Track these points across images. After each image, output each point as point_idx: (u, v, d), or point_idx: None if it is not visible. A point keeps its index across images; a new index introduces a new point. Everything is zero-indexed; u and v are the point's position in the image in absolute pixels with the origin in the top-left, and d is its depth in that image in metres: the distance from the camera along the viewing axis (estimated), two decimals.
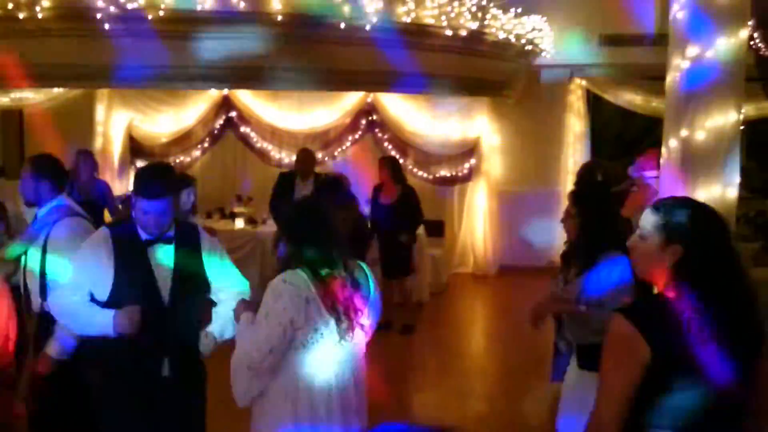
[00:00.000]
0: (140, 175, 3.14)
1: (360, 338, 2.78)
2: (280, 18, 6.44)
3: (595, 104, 10.31)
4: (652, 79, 8.66)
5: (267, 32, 6.54)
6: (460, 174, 9.63)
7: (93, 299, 3.02)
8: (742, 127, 4.12)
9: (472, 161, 9.59)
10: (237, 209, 9.01)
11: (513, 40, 7.98)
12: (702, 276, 2.03)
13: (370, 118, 9.40)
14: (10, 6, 6.31)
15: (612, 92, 10.10)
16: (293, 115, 9.41)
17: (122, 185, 9.00)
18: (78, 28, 6.50)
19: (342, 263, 2.73)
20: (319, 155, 9.28)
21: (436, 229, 9.21)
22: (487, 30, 7.63)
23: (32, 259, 3.65)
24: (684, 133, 3.92)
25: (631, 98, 9.99)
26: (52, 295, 3.19)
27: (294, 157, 7.92)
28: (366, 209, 8.20)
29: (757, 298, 2.13)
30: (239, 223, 8.65)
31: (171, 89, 8.88)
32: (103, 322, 2.92)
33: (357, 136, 9.49)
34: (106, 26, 6.33)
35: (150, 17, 6.27)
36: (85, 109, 9.17)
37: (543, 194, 9.64)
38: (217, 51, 6.55)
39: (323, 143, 9.44)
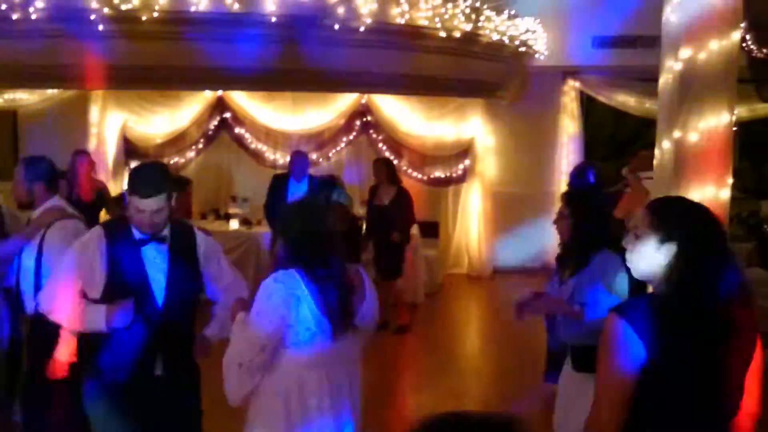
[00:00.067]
0: (134, 173, 3.13)
1: (354, 339, 2.78)
2: (274, 19, 6.45)
3: (588, 105, 10.35)
4: (645, 80, 8.69)
5: (261, 33, 6.54)
6: (454, 175, 9.64)
7: (86, 298, 3.01)
8: (734, 129, 4.14)
9: (467, 162, 9.61)
10: (232, 210, 9.02)
11: (507, 41, 8.00)
12: (696, 275, 2.04)
13: (364, 119, 9.40)
14: (4, 7, 6.30)
15: (605, 93, 10.13)
16: (288, 116, 9.40)
17: (116, 186, 8.97)
18: (72, 29, 6.48)
19: (337, 263, 2.73)
20: (314, 156, 9.29)
21: (431, 230, 9.22)
22: (481, 31, 7.65)
23: (27, 260, 3.64)
24: (677, 134, 3.94)
25: (624, 99, 10.03)
26: (43, 292, 3.17)
27: (288, 158, 7.92)
28: (361, 210, 8.23)
29: (753, 298, 2.15)
30: (234, 224, 8.65)
31: (165, 90, 8.87)
32: (96, 316, 2.92)
33: (351, 137, 9.49)
34: (100, 27, 6.32)
35: (144, 18, 6.27)
36: (79, 110, 9.15)
37: (537, 195, 9.67)
38: (211, 52, 6.55)
39: (318, 144, 9.44)
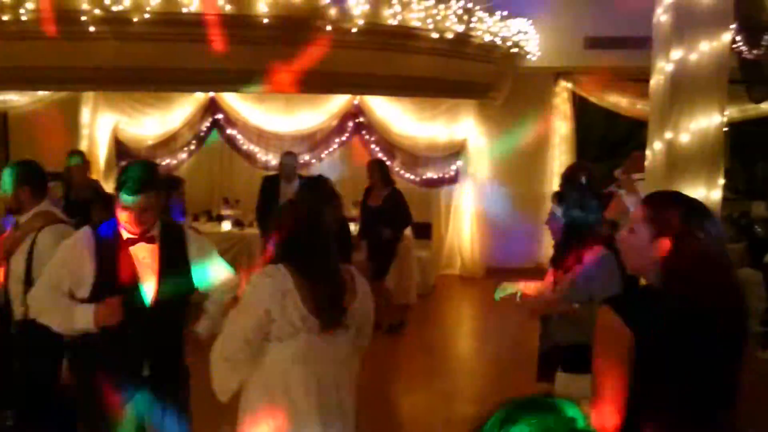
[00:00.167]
0: (123, 170, 3.11)
1: (344, 338, 2.76)
2: (266, 21, 6.44)
3: (580, 106, 10.37)
4: (637, 81, 8.72)
5: (253, 35, 6.53)
6: (447, 176, 9.65)
7: (74, 298, 2.99)
8: (725, 129, 4.16)
9: (459, 163, 9.63)
10: (224, 212, 9.00)
11: (499, 42, 8.01)
12: (689, 270, 2.05)
13: (356, 120, 9.40)
14: None
15: (597, 94, 10.17)
16: (280, 118, 9.40)
17: (108, 188, 8.94)
18: (63, 31, 6.46)
19: (329, 260, 2.72)
20: (306, 157, 9.29)
21: (424, 231, 9.23)
22: (473, 33, 7.66)
23: (17, 265, 3.60)
24: (668, 135, 3.96)
25: (616, 100, 10.06)
26: (31, 293, 3.13)
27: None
28: (354, 211, 8.23)
29: (745, 295, 2.16)
30: (226, 226, 8.63)
31: (157, 92, 8.84)
32: (84, 316, 2.90)
33: (344, 139, 9.49)
34: (92, 29, 6.30)
35: (135, 20, 6.25)
36: (70, 112, 9.12)
37: (529, 196, 9.68)
38: (203, 54, 6.53)
39: (310, 145, 9.43)
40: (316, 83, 7.23)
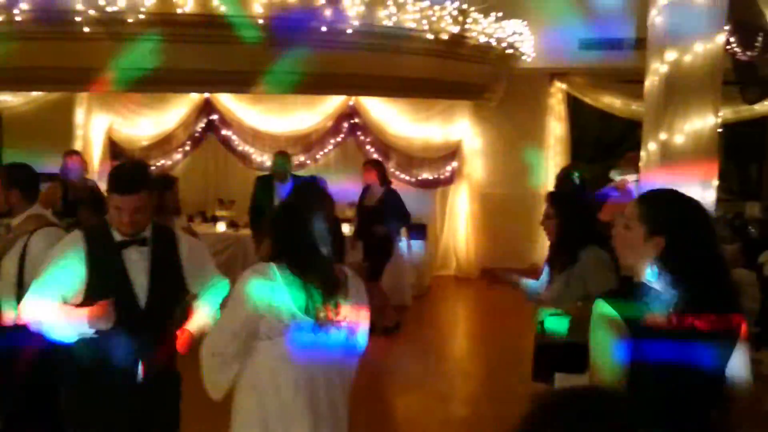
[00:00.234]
0: (114, 171, 3.08)
1: (337, 338, 2.74)
2: (261, 21, 6.43)
3: (574, 107, 10.39)
4: (632, 82, 8.74)
5: (248, 35, 6.52)
6: (442, 177, 9.66)
7: (67, 303, 2.94)
8: (720, 130, 4.18)
9: (454, 164, 9.63)
10: (219, 212, 8.98)
11: (494, 43, 8.02)
12: (683, 268, 2.06)
13: (352, 121, 9.41)
14: None
15: (592, 95, 10.19)
16: (275, 118, 9.39)
17: (103, 189, 8.92)
18: (57, 31, 6.44)
19: (321, 261, 2.71)
20: (301, 158, 9.29)
21: (419, 231, 9.22)
22: (468, 34, 7.67)
23: (8, 269, 3.57)
24: (663, 136, 3.97)
25: (610, 101, 10.08)
26: (24, 301, 3.07)
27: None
28: (349, 212, 8.22)
29: (739, 293, 2.17)
30: (221, 227, 8.62)
31: (152, 93, 8.83)
32: (78, 320, 2.86)
33: (339, 139, 9.49)
34: (86, 29, 6.28)
35: (130, 20, 6.24)
36: (64, 113, 9.09)
37: (524, 197, 9.69)
38: (198, 54, 6.53)
39: (305, 146, 9.42)
40: (311, 84, 7.23)
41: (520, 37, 8.62)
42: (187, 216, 8.69)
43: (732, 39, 6.76)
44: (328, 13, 6.58)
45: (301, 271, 2.66)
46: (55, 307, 2.92)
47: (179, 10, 6.26)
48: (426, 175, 9.58)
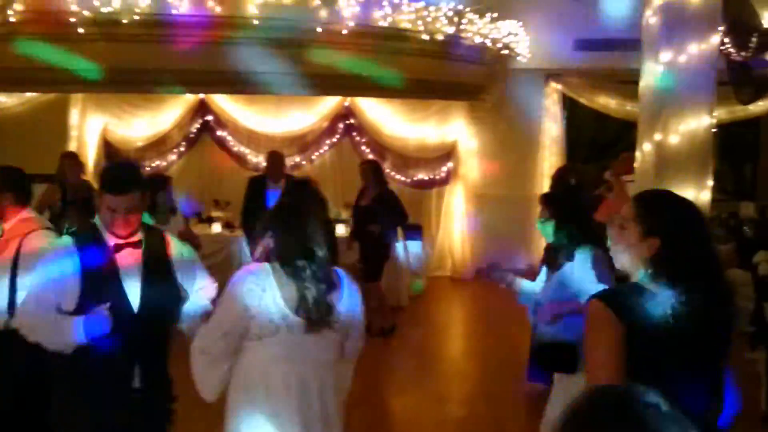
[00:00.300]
0: (106, 171, 3.05)
1: (329, 340, 2.72)
2: (256, 22, 6.43)
3: (570, 108, 10.41)
4: (627, 83, 8.76)
5: (243, 36, 6.52)
6: (437, 177, 9.67)
7: (61, 311, 2.88)
8: (714, 131, 4.19)
9: (450, 165, 9.64)
10: (214, 213, 8.97)
11: (489, 44, 8.03)
12: (678, 269, 2.06)
13: (347, 121, 9.41)
14: None
15: (587, 96, 10.21)
16: (270, 119, 9.38)
17: None
18: (52, 32, 6.42)
19: (314, 262, 2.70)
20: (297, 159, 9.29)
21: (414, 232, 9.22)
22: (463, 34, 7.68)
23: (0, 273, 3.55)
24: (658, 136, 3.98)
25: (605, 102, 10.10)
26: (19, 312, 3.02)
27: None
28: (344, 213, 8.22)
29: (733, 294, 2.17)
30: (216, 228, 8.61)
31: (146, 93, 8.81)
32: (74, 329, 2.79)
33: (334, 140, 9.49)
34: (80, 30, 6.27)
35: (125, 21, 6.22)
36: (59, 113, 9.06)
37: (520, 197, 9.71)
38: (193, 55, 6.52)
39: (300, 147, 9.43)
40: (306, 85, 7.22)
41: (516, 38, 8.64)
42: (183, 216, 8.68)
43: (726, 39, 6.77)
44: (323, 13, 6.58)
45: (294, 272, 2.65)
46: (51, 318, 2.85)
47: (174, 11, 6.25)
48: (421, 176, 9.59)
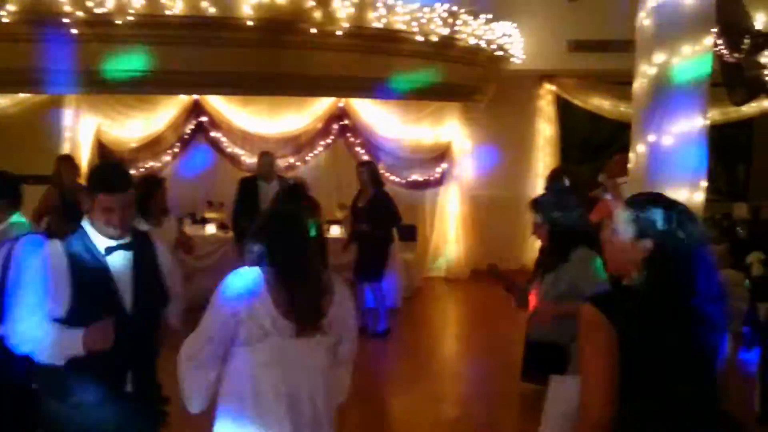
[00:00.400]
0: (97, 171, 3.03)
1: (319, 345, 2.69)
2: (250, 23, 6.42)
3: (563, 109, 10.43)
4: (620, 84, 8.78)
5: (237, 37, 6.52)
6: (432, 178, 9.68)
7: (54, 318, 2.82)
8: (707, 131, 4.20)
9: (444, 165, 9.64)
10: (208, 214, 8.95)
11: (483, 45, 8.04)
12: (671, 272, 2.07)
13: (341, 122, 9.40)
14: None
15: (581, 97, 10.24)
16: (264, 120, 9.36)
17: None
18: (46, 33, 6.41)
19: (306, 265, 2.68)
20: (291, 160, 9.27)
21: (409, 233, 9.22)
22: (457, 36, 7.69)
23: None
24: (651, 137, 3.99)
25: (599, 103, 10.14)
26: (10, 323, 2.92)
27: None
28: (338, 214, 8.21)
29: (726, 296, 2.18)
30: (210, 229, 8.59)
31: (141, 94, 8.78)
32: (71, 343, 2.75)
33: (329, 141, 9.48)
34: (74, 31, 6.26)
35: (119, 22, 6.21)
36: (52, 115, 9.03)
37: (514, 198, 9.72)
38: (187, 56, 6.51)
39: (295, 148, 9.41)
40: (300, 85, 7.22)
41: (510, 39, 8.66)
42: (176, 218, 8.66)
43: (719, 41, 6.80)
44: (317, 14, 6.59)
45: (286, 276, 2.62)
46: (46, 329, 2.79)
47: (168, 12, 6.25)
48: (416, 177, 9.59)
